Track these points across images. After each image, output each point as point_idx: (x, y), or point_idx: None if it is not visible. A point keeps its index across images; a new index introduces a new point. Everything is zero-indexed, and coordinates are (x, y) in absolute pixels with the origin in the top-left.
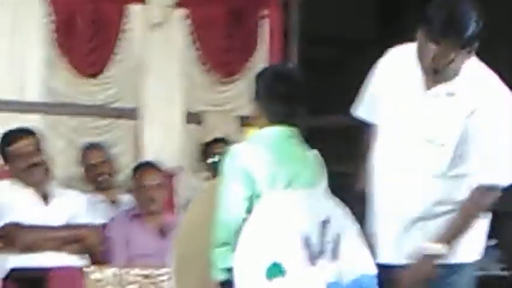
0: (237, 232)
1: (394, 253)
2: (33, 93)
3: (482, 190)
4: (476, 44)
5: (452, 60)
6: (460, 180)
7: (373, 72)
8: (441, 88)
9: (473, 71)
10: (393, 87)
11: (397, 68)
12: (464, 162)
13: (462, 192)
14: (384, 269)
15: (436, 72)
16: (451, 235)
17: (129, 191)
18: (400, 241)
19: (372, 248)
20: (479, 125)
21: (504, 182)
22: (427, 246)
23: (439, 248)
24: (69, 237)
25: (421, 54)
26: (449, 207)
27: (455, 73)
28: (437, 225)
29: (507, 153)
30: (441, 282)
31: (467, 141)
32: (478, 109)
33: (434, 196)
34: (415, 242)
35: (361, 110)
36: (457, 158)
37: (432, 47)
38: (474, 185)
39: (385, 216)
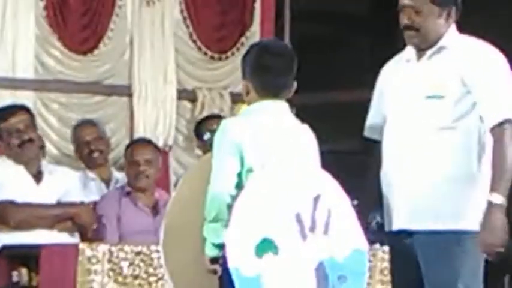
0: (230, 207)
1: (408, 218)
2: (25, 70)
3: (500, 129)
4: (452, 9)
5: (425, 16)
6: (471, 133)
7: (377, 81)
8: (430, 51)
9: (457, 33)
10: (392, 80)
11: (394, 66)
12: (470, 112)
13: (474, 148)
14: (397, 237)
15: (413, 30)
16: (498, 182)
17: (122, 168)
18: (416, 205)
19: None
20: (475, 71)
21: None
22: (492, 198)
23: (497, 196)
24: (61, 215)
25: (399, 13)
26: (464, 167)
27: (436, 35)
28: (453, 188)
29: (505, 88)
30: (454, 249)
31: (470, 92)
32: (470, 56)
33: (443, 149)
34: (431, 204)
35: (371, 114)
36: (463, 109)
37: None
38: (490, 127)
39: (397, 181)
